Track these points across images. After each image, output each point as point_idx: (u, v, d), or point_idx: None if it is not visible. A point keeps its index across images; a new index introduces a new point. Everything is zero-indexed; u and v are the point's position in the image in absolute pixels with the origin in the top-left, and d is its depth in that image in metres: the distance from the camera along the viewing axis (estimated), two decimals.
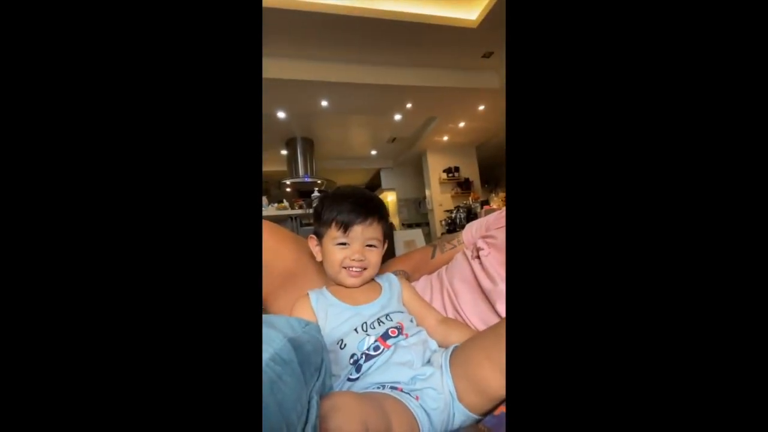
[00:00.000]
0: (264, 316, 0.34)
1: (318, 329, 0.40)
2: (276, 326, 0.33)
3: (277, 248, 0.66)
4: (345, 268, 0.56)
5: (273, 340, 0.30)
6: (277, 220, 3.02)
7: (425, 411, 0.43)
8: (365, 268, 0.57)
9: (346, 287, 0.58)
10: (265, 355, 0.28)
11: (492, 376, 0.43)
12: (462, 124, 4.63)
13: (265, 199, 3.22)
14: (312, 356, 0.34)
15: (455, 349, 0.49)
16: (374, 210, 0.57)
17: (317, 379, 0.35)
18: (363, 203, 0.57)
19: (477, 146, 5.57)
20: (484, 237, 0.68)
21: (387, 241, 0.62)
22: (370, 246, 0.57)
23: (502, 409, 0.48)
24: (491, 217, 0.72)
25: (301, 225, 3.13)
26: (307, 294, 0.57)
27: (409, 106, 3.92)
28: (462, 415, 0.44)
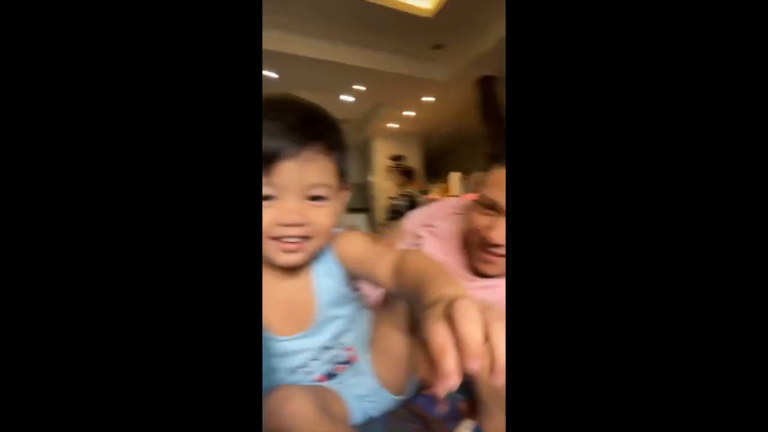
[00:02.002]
0: None
1: None
2: None
3: None
4: (274, 239, 0.35)
5: None
6: None
7: (356, 397, 0.43)
8: (308, 237, 0.35)
9: (280, 268, 0.37)
10: None
11: (389, 338, 0.41)
12: (410, 113, 4.68)
13: None
14: None
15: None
16: (317, 133, 0.34)
17: None
18: (299, 122, 0.33)
19: (423, 136, 5.70)
20: (425, 226, 0.70)
21: (348, 189, 0.41)
22: (316, 198, 0.35)
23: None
24: (432, 206, 0.74)
25: None
26: None
27: (358, 88, 3.84)
28: (387, 399, 0.45)
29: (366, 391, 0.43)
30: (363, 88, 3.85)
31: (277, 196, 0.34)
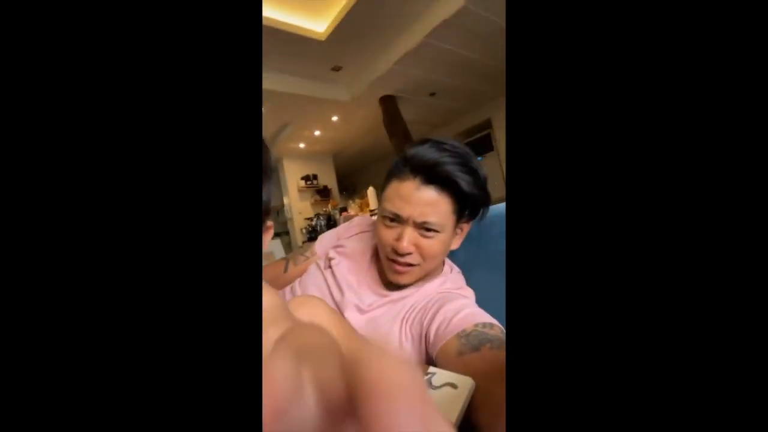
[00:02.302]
0: None
1: None
2: None
3: None
4: None
5: None
6: None
7: None
8: None
9: None
10: None
11: None
12: (317, 133, 4.69)
13: None
14: None
15: None
16: None
17: None
18: None
19: (333, 155, 5.75)
20: (335, 247, 0.70)
21: (270, 227, 0.36)
22: None
23: None
24: (341, 227, 0.75)
25: None
26: None
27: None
28: None
29: None
30: (269, 110, 3.73)
31: None
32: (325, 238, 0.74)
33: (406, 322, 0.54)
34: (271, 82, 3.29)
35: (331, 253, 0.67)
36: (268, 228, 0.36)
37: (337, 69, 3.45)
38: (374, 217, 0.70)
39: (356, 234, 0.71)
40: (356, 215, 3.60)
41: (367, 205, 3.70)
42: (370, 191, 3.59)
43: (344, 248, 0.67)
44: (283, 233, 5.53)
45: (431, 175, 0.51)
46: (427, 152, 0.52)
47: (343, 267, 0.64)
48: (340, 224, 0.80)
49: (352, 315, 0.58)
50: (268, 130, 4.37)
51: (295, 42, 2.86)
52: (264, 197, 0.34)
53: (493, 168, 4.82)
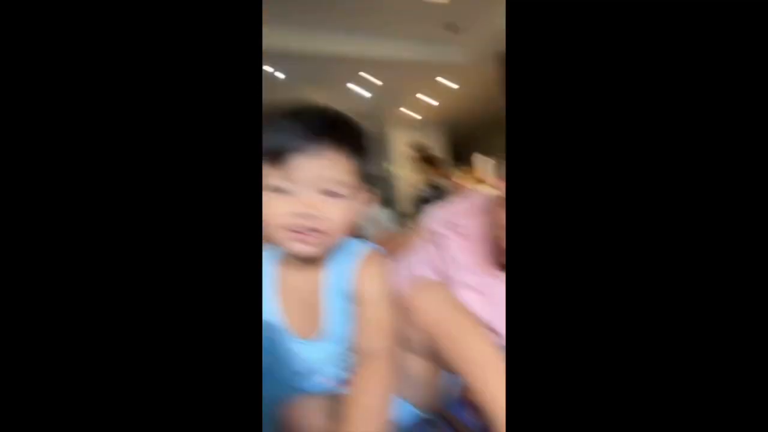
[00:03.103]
0: None
1: None
2: None
3: None
4: (289, 230, 0.37)
5: None
6: None
7: None
8: (321, 231, 0.37)
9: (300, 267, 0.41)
10: None
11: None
12: (427, 100, 4.58)
13: None
14: None
15: None
16: (337, 135, 0.37)
17: None
18: (322, 125, 0.37)
19: (444, 123, 5.57)
20: (445, 222, 0.68)
21: (371, 192, 0.43)
22: (331, 194, 0.37)
23: None
24: (457, 204, 0.72)
25: None
26: None
27: (367, 76, 3.80)
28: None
29: None
30: (380, 78, 3.80)
31: (294, 189, 0.37)
32: (438, 215, 0.73)
33: None
34: (387, 49, 3.30)
35: (443, 230, 0.66)
36: (366, 191, 0.42)
37: (454, 30, 3.23)
38: (487, 191, 0.65)
39: (474, 213, 0.67)
40: (465, 185, 3.47)
41: (473, 173, 3.51)
42: (477, 159, 3.37)
43: (460, 228, 0.65)
44: (390, 202, 5.76)
45: None
46: None
47: (457, 246, 0.62)
48: (449, 194, 0.77)
49: (459, 293, 0.56)
50: (379, 99, 4.47)
51: (418, 6, 2.76)
52: (363, 169, 0.41)
53: None
